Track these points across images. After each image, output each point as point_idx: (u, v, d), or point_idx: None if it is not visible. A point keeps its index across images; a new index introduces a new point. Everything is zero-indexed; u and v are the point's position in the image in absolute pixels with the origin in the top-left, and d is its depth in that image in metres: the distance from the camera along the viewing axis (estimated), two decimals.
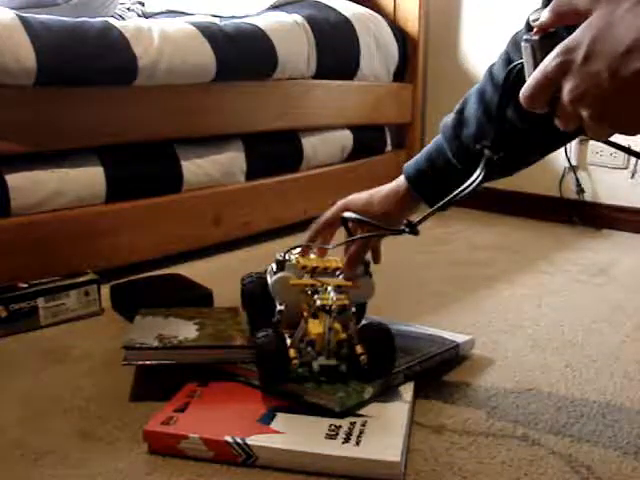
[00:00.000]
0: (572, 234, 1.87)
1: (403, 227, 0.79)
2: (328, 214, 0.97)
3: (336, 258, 0.96)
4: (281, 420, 0.79)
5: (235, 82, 1.59)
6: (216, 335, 0.94)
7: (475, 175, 0.72)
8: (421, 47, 2.14)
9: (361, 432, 0.77)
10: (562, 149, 1.94)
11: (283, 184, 1.75)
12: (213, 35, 1.52)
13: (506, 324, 1.18)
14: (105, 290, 1.24)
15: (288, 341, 0.84)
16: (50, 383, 0.95)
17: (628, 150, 0.64)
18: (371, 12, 2.06)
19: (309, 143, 1.80)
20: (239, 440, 0.75)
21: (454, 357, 0.99)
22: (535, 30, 0.57)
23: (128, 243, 1.41)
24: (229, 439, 0.75)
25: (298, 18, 1.78)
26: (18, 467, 0.75)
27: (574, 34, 0.53)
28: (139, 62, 1.36)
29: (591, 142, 1.93)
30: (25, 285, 1.15)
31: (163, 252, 1.48)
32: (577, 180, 1.97)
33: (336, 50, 1.87)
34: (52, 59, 1.24)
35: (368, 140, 2.01)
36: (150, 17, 2.02)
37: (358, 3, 2.08)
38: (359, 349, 0.84)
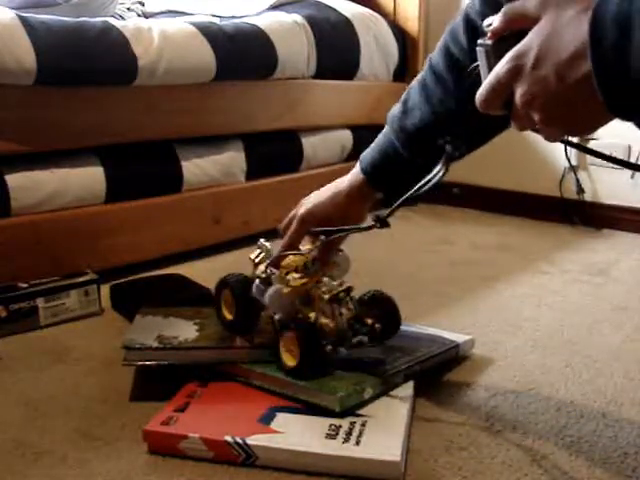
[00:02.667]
0: (572, 234, 1.87)
1: (373, 222, 0.82)
2: (293, 230, 0.96)
3: (304, 249, 0.95)
4: (281, 420, 0.79)
5: (235, 82, 1.59)
6: (216, 335, 0.94)
7: (437, 169, 0.74)
8: (421, 47, 2.14)
9: (361, 432, 0.77)
10: (562, 149, 1.94)
11: (283, 184, 1.75)
12: (213, 35, 1.52)
13: (506, 324, 1.18)
14: (105, 290, 1.24)
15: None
16: (50, 383, 0.95)
17: (603, 156, 0.65)
18: (371, 12, 2.06)
19: (309, 143, 1.80)
20: (239, 440, 0.75)
21: (454, 357, 0.99)
22: (489, 35, 0.59)
23: (128, 243, 1.41)
24: (229, 439, 0.75)
25: (298, 18, 1.78)
26: (18, 467, 0.75)
27: (524, 40, 0.55)
28: (139, 62, 1.36)
29: (592, 142, 1.93)
30: (25, 285, 1.15)
31: (163, 252, 1.48)
32: (577, 180, 1.97)
33: (336, 50, 1.87)
34: (52, 59, 1.24)
35: (368, 140, 1.99)
36: (150, 17, 2.02)
37: (358, 3, 2.08)
38: (369, 321, 0.91)
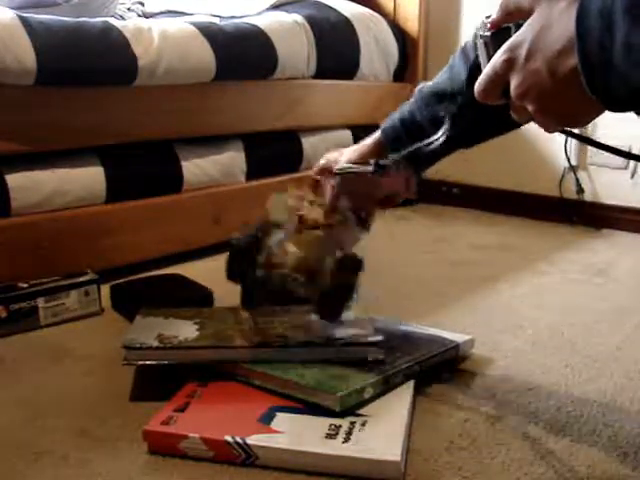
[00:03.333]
0: (572, 234, 1.87)
1: (372, 168, 0.88)
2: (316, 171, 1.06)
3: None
4: (281, 420, 0.79)
5: (235, 82, 1.59)
6: (216, 335, 0.94)
7: (442, 130, 0.79)
8: (421, 47, 2.14)
9: (361, 432, 0.77)
10: (562, 149, 1.94)
11: (283, 184, 1.74)
12: (213, 35, 1.52)
13: (506, 324, 1.18)
14: (105, 290, 1.24)
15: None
16: (50, 383, 0.95)
17: (603, 146, 0.66)
18: (371, 12, 2.06)
19: (309, 143, 1.80)
20: (239, 440, 0.75)
21: (454, 357, 0.99)
22: (488, 26, 0.60)
23: (128, 243, 1.41)
24: (229, 439, 0.75)
25: (298, 18, 1.78)
26: (18, 467, 0.75)
27: (519, 32, 0.56)
28: (139, 62, 1.36)
29: None
30: (25, 285, 1.15)
31: (163, 252, 1.48)
32: (577, 180, 1.97)
33: (336, 50, 1.87)
34: (52, 59, 1.24)
35: None
36: (150, 17, 2.02)
37: (358, 3, 2.08)
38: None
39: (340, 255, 0.94)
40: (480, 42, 0.61)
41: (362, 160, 0.97)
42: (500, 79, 0.58)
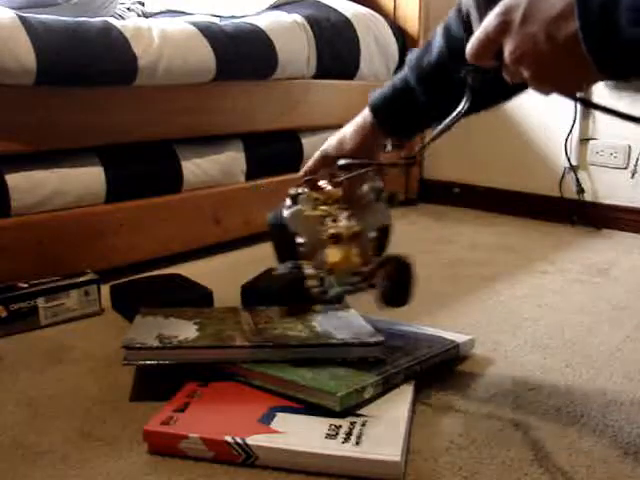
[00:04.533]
0: (572, 234, 1.87)
1: (402, 160, 0.85)
2: (311, 162, 1.01)
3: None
4: (281, 420, 0.79)
5: (235, 82, 1.59)
6: (216, 335, 0.94)
7: (462, 103, 0.74)
8: (421, 47, 2.13)
9: (361, 432, 0.76)
10: (562, 149, 1.94)
11: (283, 184, 1.74)
12: (213, 35, 1.52)
13: (506, 324, 1.18)
14: (105, 290, 1.24)
15: (310, 271, 0.88)
16: (50, 383, 0.95)
17: (608, 110, 0.62)
18: (371, 12, 2.06)
19: (309, 143, 1.80)
20: (239, 440, 0.75)
21: (454, 357, 0.99)
22: None
23: (128, 243, 1.41)
24: (229, 439, 0.75)
25: (298, 18, 1.78)
26: (18, 467, 0.75)
27: None
28: (139, 62, 1.36)
29: (591, 142, 1.93)
30: (25, 285, 1.15)
31: (163, 252, 1.48)
32: (577, 180, 1.97)
33: (336, 50, 1.87)
34: (52, 59, 1.24)
35: None
36: (150, 17, 2.02)
37: (358, 3, 2.08)
38: (378, 276, 0.87)
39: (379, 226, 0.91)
40: (470, 2, 0.60)
41: (364, 144, 0.94)
42: (492, 43, 0.56)
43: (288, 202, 0.95)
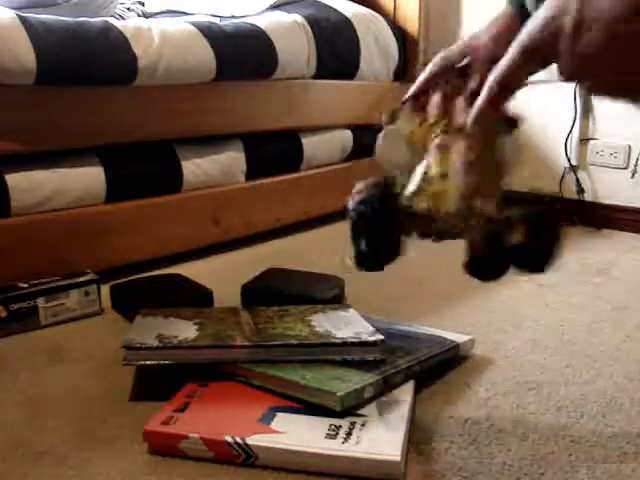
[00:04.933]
0: (572, 234, 1.87)
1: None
2: (422, 77, 0.80)
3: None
4: (281, 420, 0.79)
5: (235, 82, 1.59)
6: (216, 335, 0.94)
7: None
8: (421, 47, 2.14)
9: (361, 432, 0.76)
10: (562, 149, 1.94)
11: (283, 184, 1.75)
12: (213, 35, 1.52)
13: (506, 324, 1.18)
14: (105, 290, 1.24)
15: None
16: (50, 383, 0.95)
17: None
18: (371, 12, 2.06)
19: (309, 143, 1.80)
20: (239, 440, 0.75)
21: (454, 357, 0.99)
22: None
23: (128, 243, 1.41)
24: (229, 439, 0.75)
25: (298, 18, 1.78)
26: (18, 467, 0.75)
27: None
28: (139, 62, 1.36)
29: (591, 142, 1.93)
30: (25, 285, 1.15)
31: (163, 252, 1.48)
32: (577, 180, 1.96)
33: (336, 50, 1.87)
34: (52, 59, 1.24)
35: (368, 140, 2.01)
36: (150, 17, 2.02)
37: (358, 3, 2.08)
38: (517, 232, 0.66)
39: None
40: None
41: (501, 35, 0.76)
42: (537, 55, 0.49)
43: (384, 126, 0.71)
